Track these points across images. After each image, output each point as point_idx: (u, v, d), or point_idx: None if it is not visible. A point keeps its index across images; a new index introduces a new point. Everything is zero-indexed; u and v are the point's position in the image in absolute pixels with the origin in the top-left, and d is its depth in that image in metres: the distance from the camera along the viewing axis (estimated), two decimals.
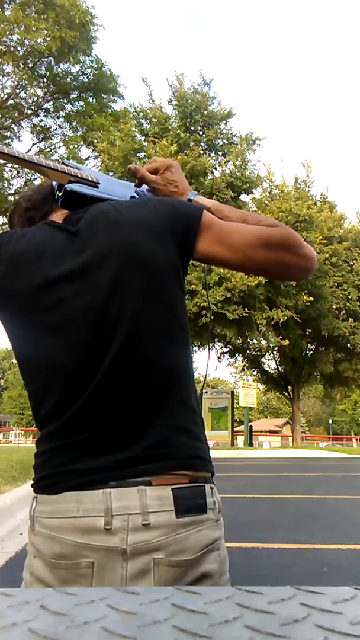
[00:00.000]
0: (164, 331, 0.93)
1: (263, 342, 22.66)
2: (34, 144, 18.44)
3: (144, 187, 1.14)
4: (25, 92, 17.19)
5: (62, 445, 0.90)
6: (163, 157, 1.17)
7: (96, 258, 0.93)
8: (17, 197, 1.11)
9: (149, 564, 0.83)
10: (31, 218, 1.08)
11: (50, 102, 17.57)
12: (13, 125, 17.18)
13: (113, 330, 0.90)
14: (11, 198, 15.80)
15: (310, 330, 22.95)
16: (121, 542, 0.83)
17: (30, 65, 16.27)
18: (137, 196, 1.12)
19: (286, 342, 20.07)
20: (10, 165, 16.03)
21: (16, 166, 16.40)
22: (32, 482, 0.94)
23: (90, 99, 17.38)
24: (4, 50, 15.45)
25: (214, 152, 20.26)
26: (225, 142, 20.19)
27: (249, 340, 21.51)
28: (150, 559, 0.83)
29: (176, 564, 0.83)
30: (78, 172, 1.05)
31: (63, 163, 1.09)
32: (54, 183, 1.07)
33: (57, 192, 1.04)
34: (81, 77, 17.15)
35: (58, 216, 1.04)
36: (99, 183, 1.07)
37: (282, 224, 1.00)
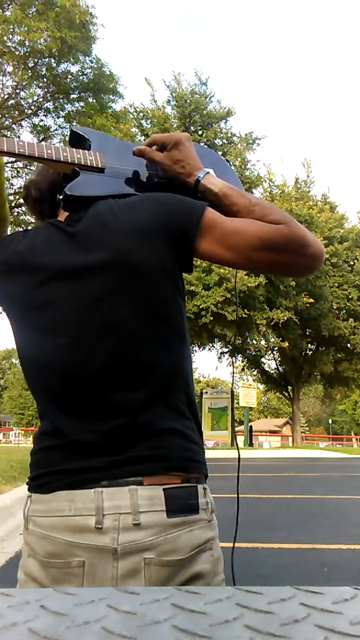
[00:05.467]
0: (154, 337, 0.92)
1: (262, 342, 22.66)
2: None
3: None
4: (25, 92, 17.19)
5: (56, 445, 0.91)
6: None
7: (88, 263, 0.93)
8: (26, 181, 1.08)
9: (139, 564, 0.82)
10: (41, 212, 1.09)
11: (50, 102, 17.56)
12: (13, 125, 17.17)
13: (99, 335, 0.90)
14: (12, 197, 15.79)
15: (310, 330, 22.97)
16: (112, 541, 0.83)
17: (30, 65, 16.26)
18: (146, 171, 1.07)
19: (286, 344, 20.08)
20: (10, 164, 16.03)
21: (16, 165, 16.41)
22: (27, 480, 0.95)
23: (90, 99, 17.36)
24: (5, 50, 15.45)
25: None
26: (225, 142, 20.21)
27: (248, 340, 21.51)
28: (140, 559, 0.82)
29: (167, 564, 0.83)
30: (82, 157, 1.01)
31: (72, 130, 1.07)
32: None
33: (59, 195, 1.02)
34: (81, 77, 17.13)
35: (62, 212, 1.03)
36: (104, 169, 1.03)
37: (288, 219, 0.94)
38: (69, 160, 1.00)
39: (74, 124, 16.94)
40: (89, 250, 0.93)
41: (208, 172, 1.04)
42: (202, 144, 0.95)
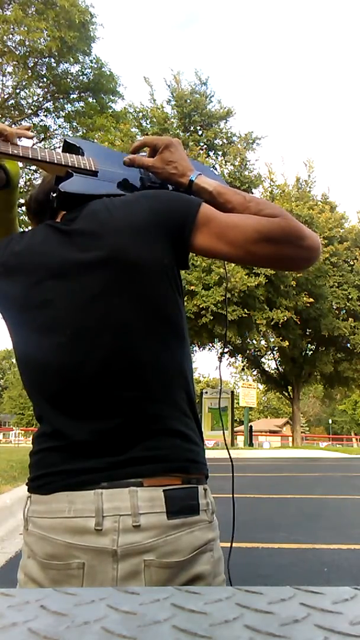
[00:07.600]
0: (153, 336, 0.91)
1: (262, 342, 22.65)
2: (34, 144, 18.38)
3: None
4: (25, 92, 17.20)
5: (55, 446, 0.90)
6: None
7: (85, 261, 0.92)
8: (27, 196, 1.13)
9: (139, 566, 0.82)
10: (40, 221, 1.09)
11: (50, 102, 17.57)
12: (13, 125, 17.16)
13: (97, 334, 0.90)
14: None
15: (310, 330, 22.95)
16: (112, 543, 0.82)
17: (30, 65, 16.26)
18: (139, 175, 1.09)
19: (286, 344, 20.06)
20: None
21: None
22: (26, 481, 0.95)
23: (90, 99, 17.37)
24: (5, 50, 15.45)
25: (213, 151, 20.26)
26: (225, 141, 20.20)
27: (248, 340, 21.50)
28: (140, 561, 0.82)
29: (167, 566, 0.82)
30: (75, 160, 1.03)
31: (65, 140, 1.09)
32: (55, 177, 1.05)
33: (52, 194, 1.02)
34: (81, 77, 17.14)
35: (60, 215, 1.04)
36: (97, 172, 1.04)
37: (283, 213, 0.96)
38: (63, 162, 1.01)
39: (74, 124, 16.95)
40: (86, 248, 0.93)
41: (200, 173, 1.05)
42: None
